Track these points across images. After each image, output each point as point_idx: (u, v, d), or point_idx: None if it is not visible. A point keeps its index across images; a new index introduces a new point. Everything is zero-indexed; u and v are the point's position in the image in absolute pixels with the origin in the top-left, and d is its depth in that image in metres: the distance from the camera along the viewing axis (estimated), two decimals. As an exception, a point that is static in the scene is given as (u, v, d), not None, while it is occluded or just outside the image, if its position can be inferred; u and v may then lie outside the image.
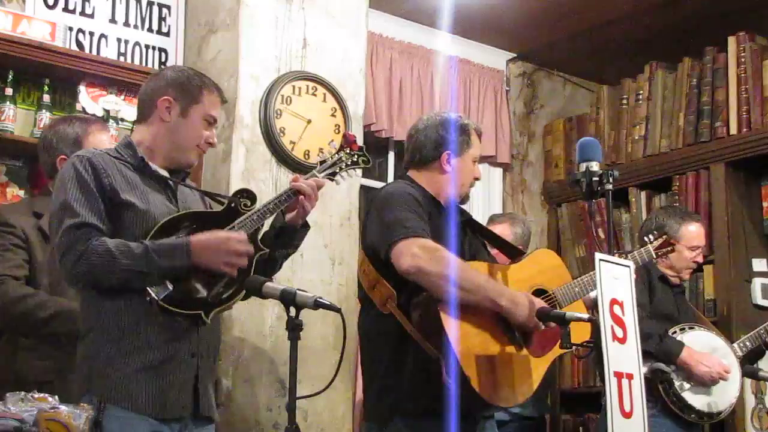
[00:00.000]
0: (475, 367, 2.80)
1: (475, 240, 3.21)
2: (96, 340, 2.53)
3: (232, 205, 2.67)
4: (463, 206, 3.28)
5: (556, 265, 3.25)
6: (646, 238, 3.66)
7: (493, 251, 3.41)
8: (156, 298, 2.48)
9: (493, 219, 4.73)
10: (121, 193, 2.56)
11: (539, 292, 3.08)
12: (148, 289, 2.48)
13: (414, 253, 2.82)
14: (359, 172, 2.87)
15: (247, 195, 2.70)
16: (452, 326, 2.81)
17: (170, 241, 2.53)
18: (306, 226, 2.84)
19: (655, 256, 3.62)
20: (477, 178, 3.24)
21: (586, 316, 2.86)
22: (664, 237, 3.60)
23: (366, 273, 2.99)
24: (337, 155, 2.83)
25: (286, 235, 2.80)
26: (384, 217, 2.93)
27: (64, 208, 2.53)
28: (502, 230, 4.52)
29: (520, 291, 3.00)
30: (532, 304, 2.91)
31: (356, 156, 2.85)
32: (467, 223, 3.23)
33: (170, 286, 2.50)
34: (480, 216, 5.38)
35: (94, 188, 2.54)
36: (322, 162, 2.84)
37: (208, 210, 2.70)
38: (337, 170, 2.83)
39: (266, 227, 2.84)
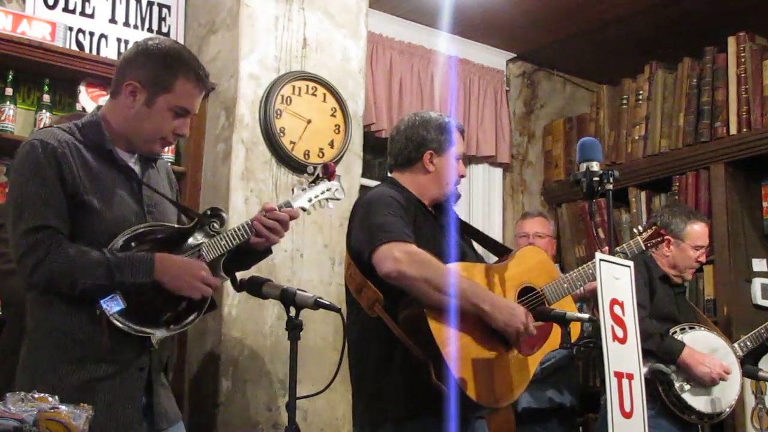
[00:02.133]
0: (463, 369, 2.80)
1: (462, 240, 3.21)
2: (42, 342, 2.40)
3: (201, 224, 2.55)
4: (455, 206, 3.27)
5: (544, 261, 3.24)
6: (635, 230, 3.65)
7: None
8: (107, 312, 2.35)
9: (531, 214, 4.73)
10: (83, 194, 2.39)
11: (527, 290, 3.07)
12: (100, 301, 2.35)
13: (395, 257, 2.81)
14: (332, 204, 2.79)
15: (218, 216, 2.57)
16: (439, 329, 2.80)
17: (133, 256, 2.39)
18: (267, 252, 2.70)
19: (644, 248, 3.61)
20: (462, 176, 3.22)
21: (586, 316, 2.86)
22: (654, 228, 3.59)
23: (352, 277, 2.98)
24: (312, 184, 2.72)
25: (244, 254, 2.63)
26: (367, 221, 2.92)
27: (23, 203, 2.36)
28: (543, 222, 4.54)
29: (509, 289, 3.00)
30: (518, 311, 2.89)
31: (331, 187, 2.74)
32: (455, 223, 3.22)
33: (123, 303, 2.37)
34: (480, 216, 5.38)
35: (57, 183, 2.37)
36: (296, 189, 2.72)
37: (173, 225, 2.55)
38: (312, 198, 2.71)
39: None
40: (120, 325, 2.36)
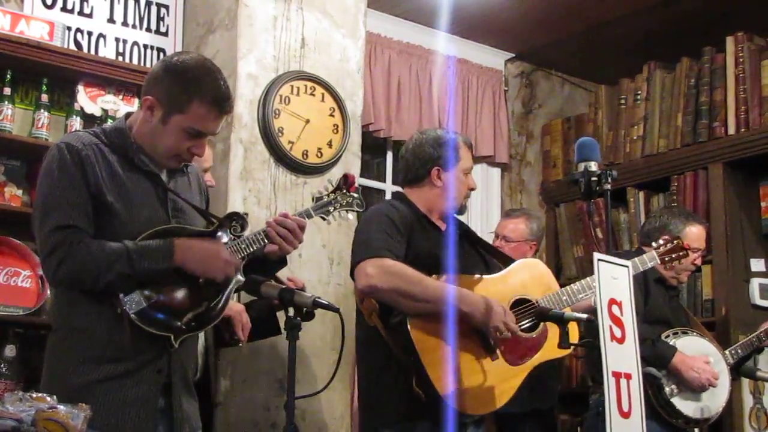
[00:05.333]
0: (444, 376, 2.85)
1: (472, 251, 3.24)
2: (62, 340, 2.44)
3: (223, 227, 2.58)
4: (461, 215, 3.31)
5: (542, 274, 3.27)
6: (654, 243, 3.59)
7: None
8: (127, 311, 2.37)
9: (509, 214, 4.70)
10: (106, 194, 2.43)
11: (521, 302, 3.10)
12: (121, 298, 2.37)
13: (368, 273, 2.90)
14: (351, 215, 2.82)
15: (240, 220, 2.60)
16: (420, 337, 2.87)
17: (152, 242, 2.41)
18: (282, 263, 2.74)
19: (659, 262, 3.57)
20: (472, 189, 3.28)
21: (585, 316, 2.85)
22: (677, 241, 3.54)
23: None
24: (332, 195, 2.75)
25: (258, 264, 2.64)
26: (356, 237, 3.05)
27: (49, 204, 2.41)
28: (517, 225, 4.50)
29: (501, 301, 3.01)
30: (496, 307, 2.92)
31: (351, 199, 2.77)
32: (464, 235, 3.25)
33: (144, 302, 2.39)
34: (478, 216, 5.38)
35: (82, 184, 2.41)
36: (317, 199, 2.75)
37: (195, 228, 2.57)
38: (331, 209, 2.74)
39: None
40: (141, 326, 2.38)
